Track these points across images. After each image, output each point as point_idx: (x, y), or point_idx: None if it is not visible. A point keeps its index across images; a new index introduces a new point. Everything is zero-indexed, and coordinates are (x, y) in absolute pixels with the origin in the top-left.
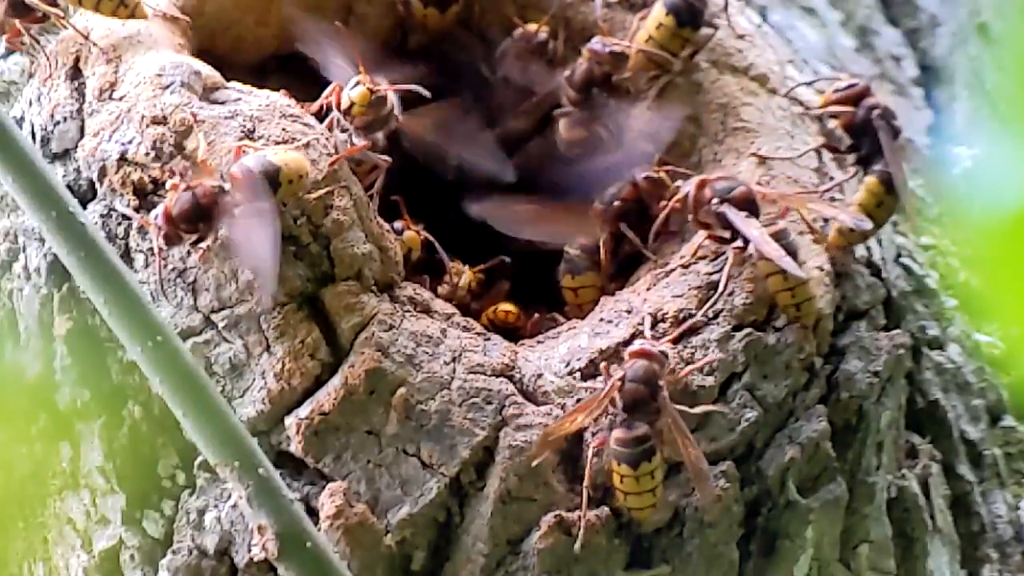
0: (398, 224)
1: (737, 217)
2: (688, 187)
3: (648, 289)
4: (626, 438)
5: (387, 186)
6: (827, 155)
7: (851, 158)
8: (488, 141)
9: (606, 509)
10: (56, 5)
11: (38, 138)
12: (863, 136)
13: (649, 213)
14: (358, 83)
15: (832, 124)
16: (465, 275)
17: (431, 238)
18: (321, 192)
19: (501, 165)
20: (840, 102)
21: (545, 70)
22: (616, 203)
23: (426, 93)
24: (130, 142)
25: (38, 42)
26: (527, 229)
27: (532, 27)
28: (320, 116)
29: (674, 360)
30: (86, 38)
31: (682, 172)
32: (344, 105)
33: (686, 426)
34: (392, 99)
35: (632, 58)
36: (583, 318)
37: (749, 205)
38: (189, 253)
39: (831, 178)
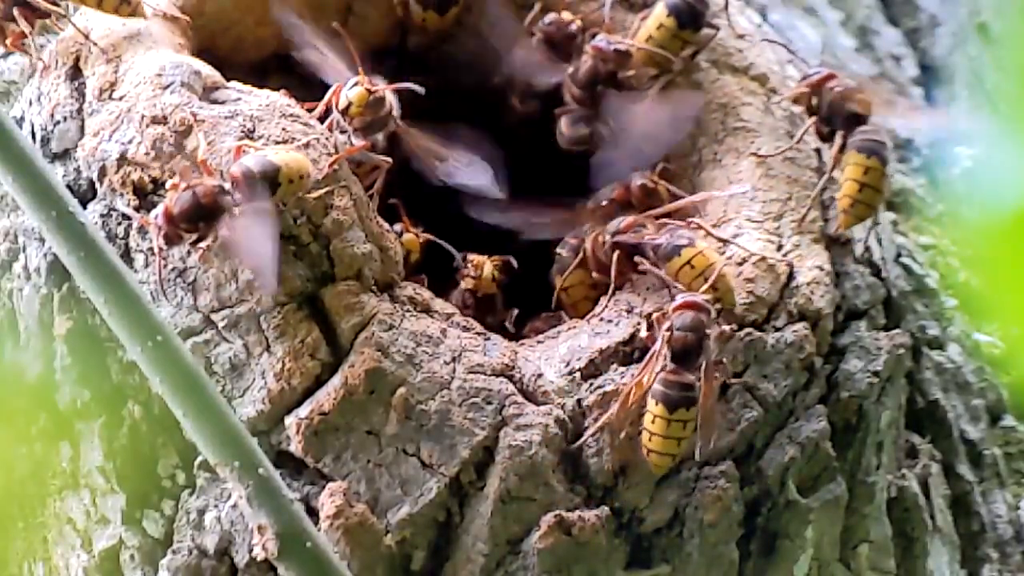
0: (397, 227)
1: (626, 236)
2: (587, 244)
3: (648, 288)
4: (672, 380)
5: (387, 187)
6: (827, 155)
7: (835, 146)
8: (480, 158)
9: (606, 509)
10: (58, 4)
11: (38, 138)
12: (832, 117)
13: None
14: (356, 84)
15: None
16: (487, 265)
17: (433, 238)
18: (321, 192)
19: (489, 181)
20: (806, 89)
21: (562, 63)
22: (605, 204)
23: (421, 91)
24: (130, 142)
25: (33, 41)
26: (509, 218)
27: (567, 16)
28: (321, 118)
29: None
30: (87, 37)
31: (677, 192)
32: (342, 105)
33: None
34: (390, 100)
35: (635, 56)
36: (578, 316)
37: (638, 229)
38: (189, 253)
39: (831, 178)
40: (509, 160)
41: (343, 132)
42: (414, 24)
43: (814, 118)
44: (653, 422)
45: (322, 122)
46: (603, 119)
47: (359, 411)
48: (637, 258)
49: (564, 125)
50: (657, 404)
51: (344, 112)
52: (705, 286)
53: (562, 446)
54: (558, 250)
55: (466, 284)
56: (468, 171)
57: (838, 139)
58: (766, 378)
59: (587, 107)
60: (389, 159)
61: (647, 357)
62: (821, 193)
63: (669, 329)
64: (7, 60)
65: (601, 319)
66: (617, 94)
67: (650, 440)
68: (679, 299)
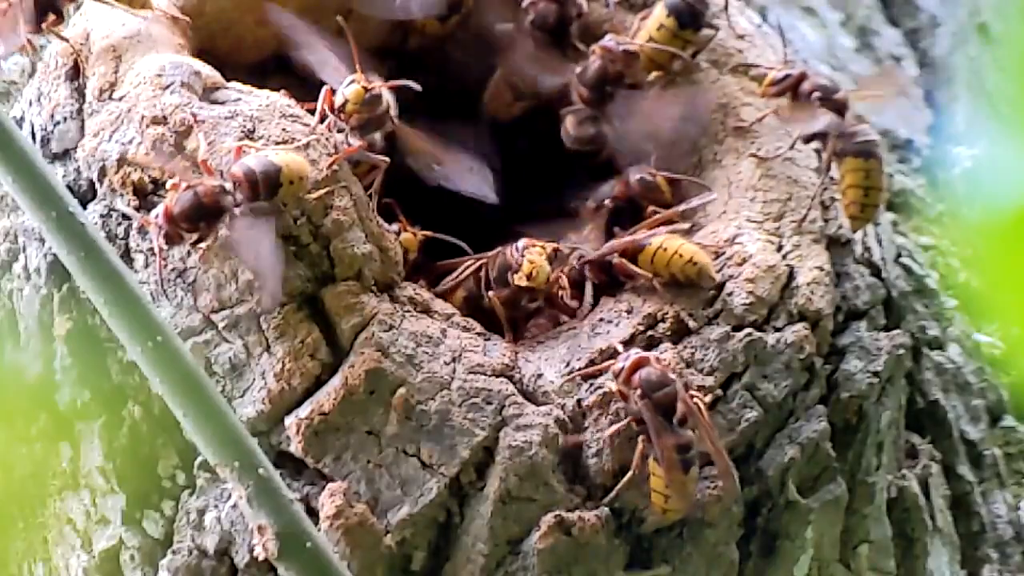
0: (394, 226)
1: (599, 252)
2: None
3: (648, 290)
4: (680, 443)
5: (385, 187)
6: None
7: (828, 148)
8: (478, 162)
9: (606, 509)
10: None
11: (38, 138)
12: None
13: (641, 213)
14: (352, 81)
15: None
16: (544, 264)
17: (432, 235)
18: (321, 192)
19: (486, 186)
20: (778, 95)
21: (566, 22)
22: (607, 202)
23: (418, 87)
24: (130, 142)
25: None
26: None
27: None
28: (321, 119)
29: (674, 361)
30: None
31: (678, 177)
32: (338, 103)
33: (708, 416)
34: (387, 98)
35: (642, 57)
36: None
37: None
38: (189, 253)
39: (832, 178)
40: (505, 157)
41: (340, 131)
42: (415, 27)
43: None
44: (669, 487)
45: (321, 123)
46: (609, 119)
47: (359, 411)
48: (619, 262)
49: (570, 124)
50: (671, 471)
51: (340, 110)
52: (683, 263)
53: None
54: (561, 245)
55: (519, 280)
56: (465, 176)
57: (831, 142)
58: (766, 378)
59: (594, 107)
60: (386, 159)
61: (648, 435)
62: (821, 193)
63: (644, 396)
64: (7, 60)
65: (601, 319)
66: (626, 94)
67: (666, 501)
68: (621, 364)
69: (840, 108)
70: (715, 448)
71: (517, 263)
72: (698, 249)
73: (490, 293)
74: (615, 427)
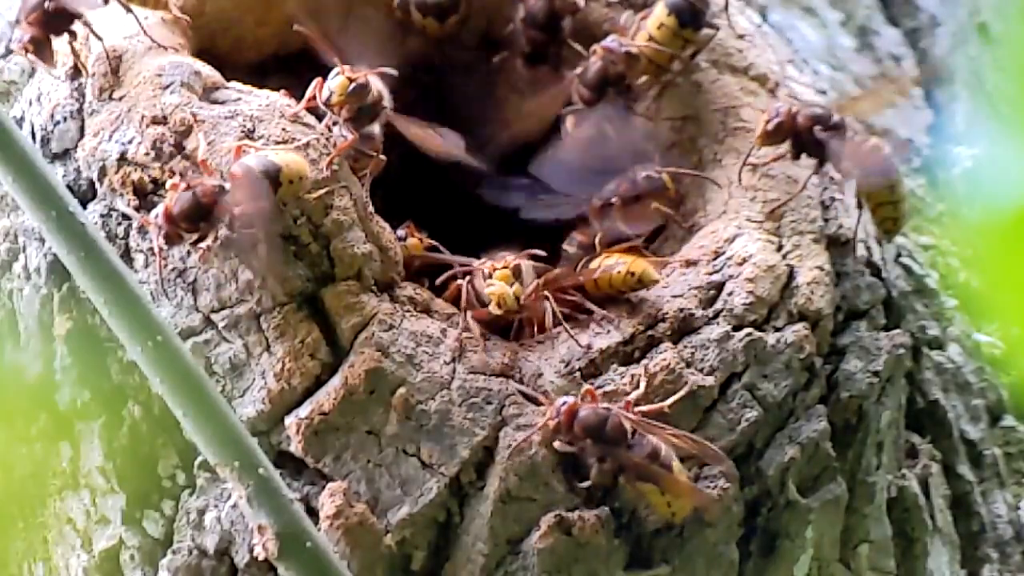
0: (401, 231)
1: (556, 286)
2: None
3: (647, 288)
4: (651, 455)
5: (387, 188)
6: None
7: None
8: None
9: (606, 509)
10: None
11: (38, 138)
12: (826, 154)
13: (646, 211)
14: (337, 73)
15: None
16: (508, 291)
17: (435, 244)
18: (321, 192)
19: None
20: (780, 141)
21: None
22: (613, 199)
23: (394, 72)
24: (130, 142)
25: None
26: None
27: None
28: (319, 117)
29: (674, 361)
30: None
31: (684, 172)
32: (324, 97)
33: (667, 429)
34: (377, 86)
35: (643, 58)
36: None
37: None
38: (189, 253)
39: (831, 178)
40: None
41: (334, 124)
42: (414, 28)
43: (816, 162)
44: (667, 492)
45: (318, 120)
46: (610, 120)
47: (359, 411)
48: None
49: (569, 125)
50: (661, 479)
51: (328, 103)
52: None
53: None
54: (565, 247)
55: (493, 310)
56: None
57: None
58: (766, 378)
59: (594, 107)
60: (382, 154)
61: (640, 477)
62: (821, 193)
63: (596, 441)
64: (7, 60)
65: (602, 318)
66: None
67: (670, 506)
68: (556, 419)
69: (841, 131)
70: (689, 442)
71: (486, 295)
72: (632, 258)
73: (469, 315)
74: (594, 475)
